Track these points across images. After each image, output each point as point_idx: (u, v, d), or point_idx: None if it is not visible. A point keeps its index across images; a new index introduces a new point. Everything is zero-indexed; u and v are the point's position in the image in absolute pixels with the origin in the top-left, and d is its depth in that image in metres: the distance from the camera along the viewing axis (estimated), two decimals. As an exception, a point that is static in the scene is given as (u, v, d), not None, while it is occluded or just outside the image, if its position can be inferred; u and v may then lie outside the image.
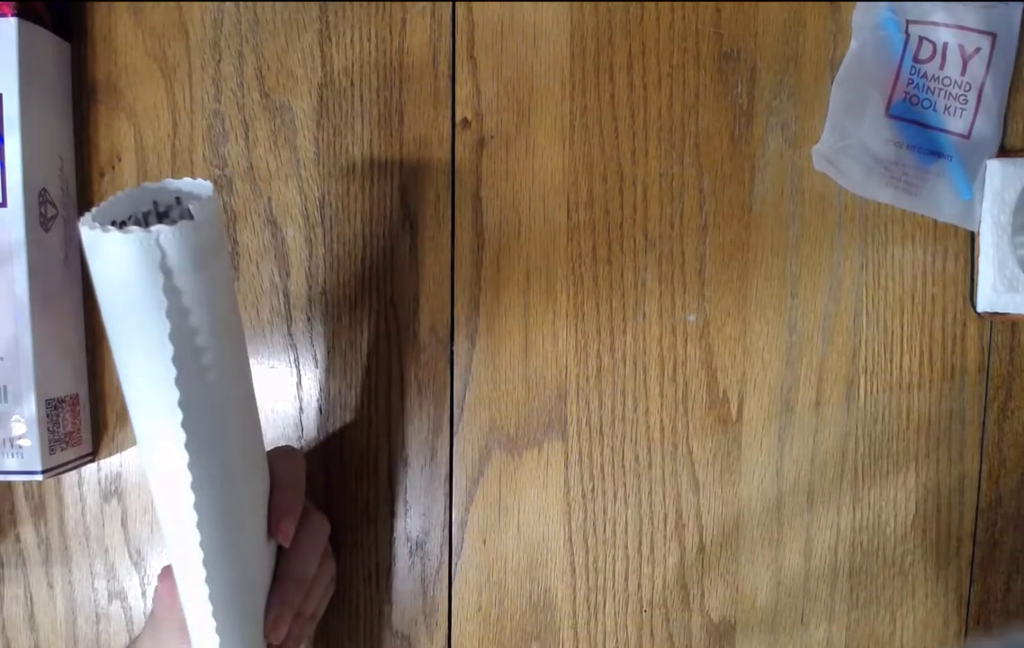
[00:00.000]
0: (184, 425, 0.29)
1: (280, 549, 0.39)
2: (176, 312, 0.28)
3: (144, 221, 0.31)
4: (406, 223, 0.46)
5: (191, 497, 0.31)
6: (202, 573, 0.32)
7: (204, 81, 0.46)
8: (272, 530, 0.37)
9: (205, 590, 0.33)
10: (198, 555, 0.32)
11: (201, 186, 0.31)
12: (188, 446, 0.30)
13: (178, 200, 0.32)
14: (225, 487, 0.32)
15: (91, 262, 0.29)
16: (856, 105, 0.43)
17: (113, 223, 0.30)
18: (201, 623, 0.34)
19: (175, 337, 0.28)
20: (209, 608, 0.33)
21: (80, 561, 0.48)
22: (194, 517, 0.31)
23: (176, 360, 0.29)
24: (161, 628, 0.38)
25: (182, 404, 0.29)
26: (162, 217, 0.31)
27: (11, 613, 0.49)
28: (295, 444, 0.47)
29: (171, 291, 0.28)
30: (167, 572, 0.37)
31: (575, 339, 0.46)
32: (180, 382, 0.29)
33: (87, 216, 0.29)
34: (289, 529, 0.38)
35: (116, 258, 0.28)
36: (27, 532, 0.48)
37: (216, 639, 0.34)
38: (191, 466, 0.30)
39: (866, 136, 0.43)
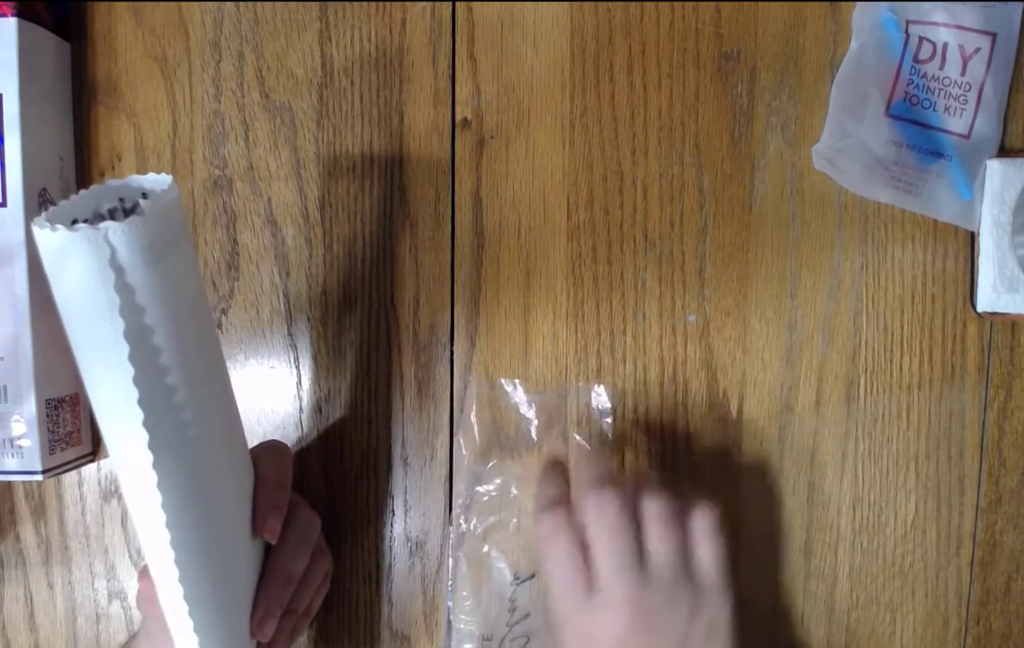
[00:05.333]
0: (145, 425, 0.29)
1: (267, 546, 0.39)
2: (130, 310, 0.28)
3: (110, 218, 0.30)
4: (406, 223, 0.46)
5: (158, 497, 0.30)
6: (174, 573, 0.32)
7: (204, 81, 0.46)
8: (257, 527, 0.37)
9: (179, 590, 0.32)
10: (169, 555, 0.31)
11: (163, 181, 0.31)
12: (151, 446, 0.29)
13: (144, 195, 0.31)
14: (195, 485, 0.32)
15: (44, 262, 0.28)
16: (856, 105, 0.43)
17: (75, 221, 0.29)
18: (179, 622, 0.34)
19: (130, 336, 0.28)
20: (185, 608, 0.33)
21: (80, 561, 0.48)
22: (163, 517, 0.31)
23: (132, 359, 0.28)
24: (151, 628, 0.38)
25: (141, 403, 0.29)
26: (128, 214, 0.31)
27: (11, 613, 0.49)
28: (295, 444, 0.47)
29: (123, 288, 0.28)
30: (146, 571, 0.37)
31: (575, 339, 0.46)
32: (138, 381, 0.28)
33: (42, 215, 0.28)
34: (275, 526, 0.37)
35: (66, 257, 0.27)
36: (27, 532, 0.48)
37: (195, 639, 0.33)
38: (155, 465, 0.30)
39: (866, 136, 0.43)
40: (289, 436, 0.47)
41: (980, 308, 0.44)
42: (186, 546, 0.32)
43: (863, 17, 0.43)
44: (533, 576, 0.45)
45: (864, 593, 0.46)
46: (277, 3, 0.46)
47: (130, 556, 0.48)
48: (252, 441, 0.43)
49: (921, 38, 0.43)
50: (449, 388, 0.46)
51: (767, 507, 0.45)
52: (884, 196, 0.43)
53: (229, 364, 0.47)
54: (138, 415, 0.29)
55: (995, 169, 0.42)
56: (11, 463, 0.42)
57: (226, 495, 0.35)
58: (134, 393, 0.29)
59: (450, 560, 0.46)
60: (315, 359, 0.47)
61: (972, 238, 0.44)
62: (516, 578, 0.45)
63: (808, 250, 0.45)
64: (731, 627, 0.38)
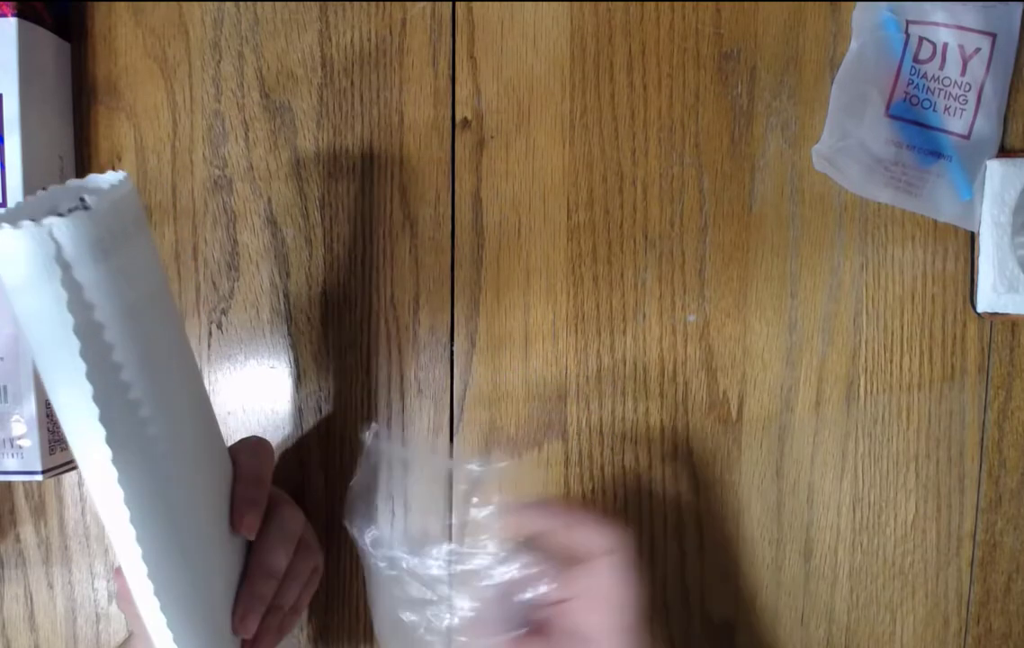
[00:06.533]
0: (102, 420, 0.29)
1: (250, 542, 0.39)
2: (78, 306, 0.28)
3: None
4: (406, 223, 0.46)
5: (119, 493, 0.30)
6: (143, 569, 0.32)
7: (204, 81, 0.46)
8: (234, 524, 0.37)
9: (149, 586, 0.32)
10: (136, 551, 0.31)
11: (117, 177, 0.31)
12: (109, 441, 0.29)
13: None
14: (157, 480, 0.32)
15: None
16: (856, 105, 0.43)
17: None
18: (152, 619, 0.33)
19: (80, 332, 0.28)
20: (156, 603, 0.32)
21: (80, 561, 0.48)
22: (126, 513, 0.30)
23: (84, 354, 0.28)
24: (137, 627, 0.38)
25: (96, 399, 0.29)
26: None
27: (11, 613, 0.49)
28: (295, 444, 0.47)
29: (71, 285, 0.28)
30: (120, 570, 0.36)
31: (575, 339, 0.46)
32: (91, 376, 0.28)
33: None
34: (252, 521, 0.37)
35: (11, 254, 0.27)
36: (27, 532, 0.48)
37: (168, 634, 0.33)
38: (115, 461, 0.29)
39: (866, 136, 0.43)
40: (289, 436, 0.47)
41: (980, 308, 0.44)
42: (152, 541, 0.32)
43: (863, 17, 0.43)
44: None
45: (864, 593, 0.46)
46: (277, 3, 0.46)
47: (130, 556, 0.48)
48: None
49: (921, 38, 0.43)
50: (449, 388, 0.46)
51: (767, 507, 0.45)
52: (884, 196, 0.43)
53: (229, 364, 0.47)
54: (94, 410, 0.29)
55: (995, 169, 0.42)
56: (11, 463, 0.42)
57: (197, 491, 0.35)
58: (88, 389, 0.28)
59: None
60: (315, 359, 0.47)
61: (972, 238, 0.44)
62: None
63: (808, 250, 0.45)
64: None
